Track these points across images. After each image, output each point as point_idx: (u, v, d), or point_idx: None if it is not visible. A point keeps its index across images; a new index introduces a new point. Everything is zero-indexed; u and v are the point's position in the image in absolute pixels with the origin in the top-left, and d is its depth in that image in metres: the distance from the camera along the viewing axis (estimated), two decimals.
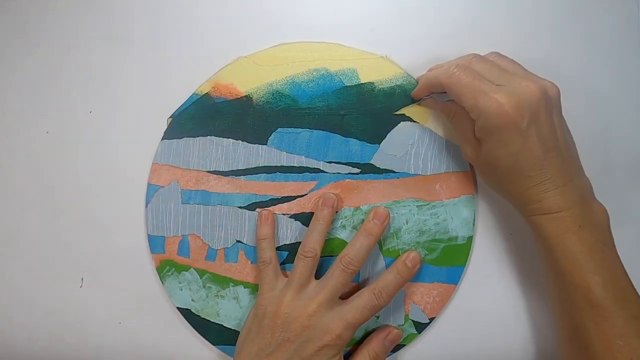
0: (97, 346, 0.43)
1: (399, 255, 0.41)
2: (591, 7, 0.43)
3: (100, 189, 0.44)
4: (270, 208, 0.42)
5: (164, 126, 0.43)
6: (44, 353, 0.44)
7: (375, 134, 0.42)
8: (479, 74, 0.35)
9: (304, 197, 0.42)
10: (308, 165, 0.42)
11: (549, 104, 0.34)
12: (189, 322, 0.42)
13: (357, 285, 0.41)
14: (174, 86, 0.43)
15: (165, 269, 0.42)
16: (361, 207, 0.41)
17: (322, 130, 0.42)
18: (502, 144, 0.34)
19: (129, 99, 0.44)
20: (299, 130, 0.42)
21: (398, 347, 0.41)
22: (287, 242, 0.42)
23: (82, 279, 0.44)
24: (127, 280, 0.43)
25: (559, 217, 0.34)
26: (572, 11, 0.43)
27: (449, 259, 0.41)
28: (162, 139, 0.43)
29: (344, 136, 0.42)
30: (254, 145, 0.42)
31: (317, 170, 0.42)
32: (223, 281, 0.42)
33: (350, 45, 0.43)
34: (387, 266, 0.41)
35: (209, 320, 0.42)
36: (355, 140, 0.42)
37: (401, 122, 0.41)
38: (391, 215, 0.41)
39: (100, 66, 0.45)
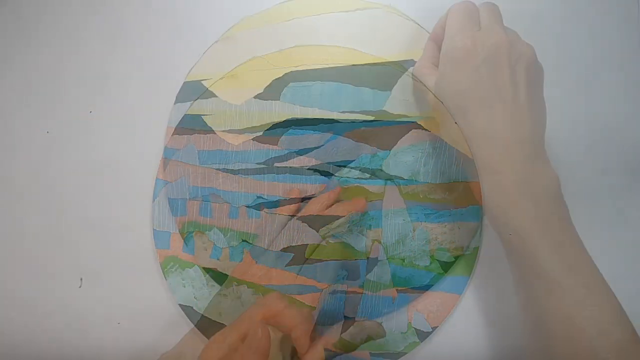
0: (97, 346, 0.43)
1: (404, 262, 0.41)
2: (591, 7, 0.43)
3: (104, 186, 0.43)
4: (277, 209, 0.42)
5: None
6: (44, 353, 0.43)
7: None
8: (471, 16, 0.36)
9: (312, 199, 0.42)
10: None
11: (512, 55, 0.34)
12: (190, 320, 0.42)
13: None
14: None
15: (169, 265, 0.42)
16: (369, 212, 0.41)
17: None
18: (454, 73, 0.35)
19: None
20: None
21: (399, 355, 0.41)
22: (294, 244, 0.42)
23: (81, 279, 0.43)
24: (128, 278, 0.43)
25: (498, 181, 0.33)
26: (572, 11, 0.43)
27: (454, 269, 0.41)
28: (173, 134, 0.43)
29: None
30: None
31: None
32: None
33: (363, 50, 0.43)
34: (392, 272, 0.41)
35: (210, 319, 0.42)
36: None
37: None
38: (399, 222, 0.41)
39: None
